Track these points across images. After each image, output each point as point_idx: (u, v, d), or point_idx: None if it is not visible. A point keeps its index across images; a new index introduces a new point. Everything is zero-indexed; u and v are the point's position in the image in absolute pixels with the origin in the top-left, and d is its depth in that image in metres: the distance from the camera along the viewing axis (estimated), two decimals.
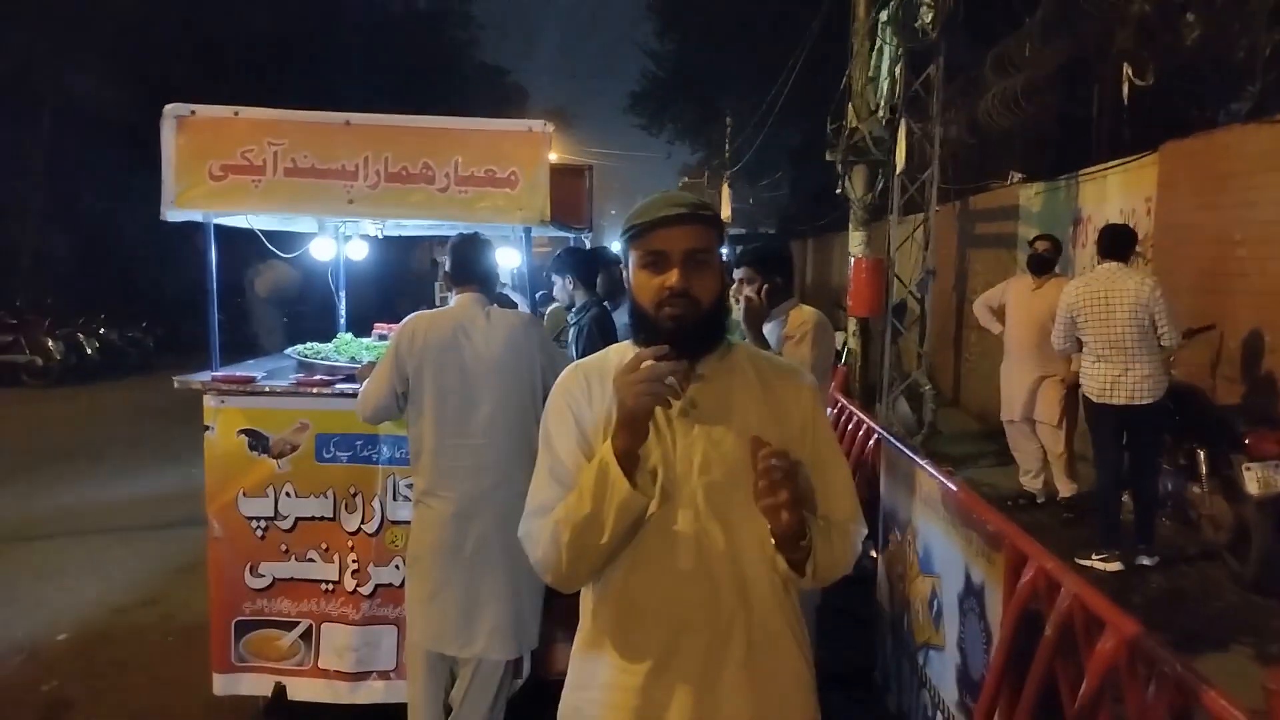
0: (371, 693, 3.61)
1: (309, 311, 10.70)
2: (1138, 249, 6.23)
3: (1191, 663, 1.85)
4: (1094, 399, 5.63)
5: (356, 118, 3.54)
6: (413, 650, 3.32)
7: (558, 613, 3.79)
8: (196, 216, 3.67)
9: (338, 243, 4.68)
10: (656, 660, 1.67)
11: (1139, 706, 1.95)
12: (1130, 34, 7.30)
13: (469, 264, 3.30)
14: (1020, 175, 10.30)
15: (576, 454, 1.71)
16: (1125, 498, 6.32)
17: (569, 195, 4.46)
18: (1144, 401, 5.44)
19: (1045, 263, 6.83)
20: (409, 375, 3.16)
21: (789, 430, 1.72)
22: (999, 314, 7.20)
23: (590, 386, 1.75)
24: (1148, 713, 1.90)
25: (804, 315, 3.59)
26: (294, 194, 3.52)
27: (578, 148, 37.61)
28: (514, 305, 4.28)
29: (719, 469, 1.67)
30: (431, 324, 3.20)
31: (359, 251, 4.91)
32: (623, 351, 1.76)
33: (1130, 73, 7.00)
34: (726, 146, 29.88)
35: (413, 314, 3.29)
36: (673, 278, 1.65)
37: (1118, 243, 5.68)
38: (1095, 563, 5.54)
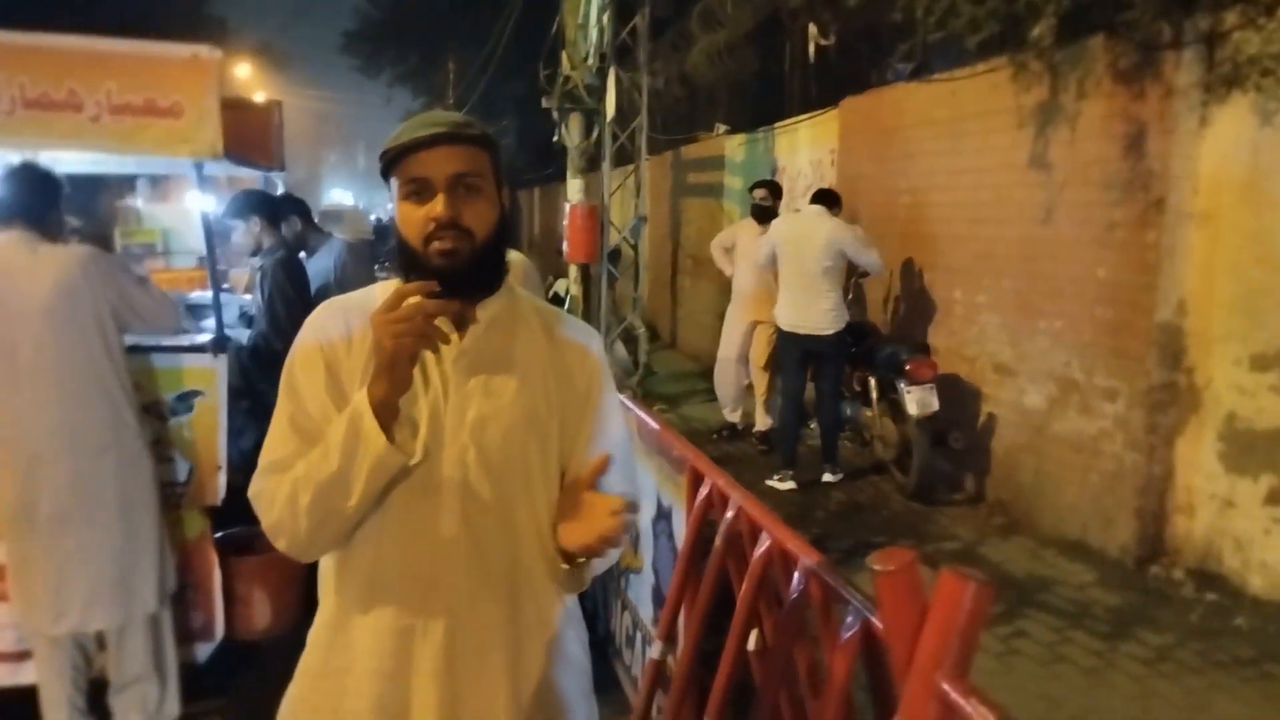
0: (35, 673, 3.28)
1: None
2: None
3: (829, 560, 2.06)
4: (784, 328, 6.17)
5: None
6: (22, 629, 3.09)
7: (252, 569, 3.64)
8: None
9: None
10: (409, 641, 1.49)
11: (788, 602, 2.15)
12: None
13: (8, 197, 2.97)
14: (725, 127, 10.84)
15: (326, 403, 1.48)
16: (813, 425, 6.94)
17: (252, 131, 4.17)
18: (826, 332, 5.99)
19: (764, 211, 7.07)
20: None
21: (572, 395, 1.59)
22: (732, 255, 7.47)
23: (350, 326, 1.51)
24: (795, 606, 2.10)
25: (510, 260, 3.59)
26: None
27: (290, 89, 35.22)
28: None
29: (494, 426, 1.50)
30: None
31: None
32: (392, 287, 1.52)
33: (815, 32, 7.51)
34: (450, 94, 29.11)
35: None
36: (438, 206, 1.44)
37: (825, 194, 6.30)
38: (774, 483, 6.08)
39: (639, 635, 3.45)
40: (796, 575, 2.09)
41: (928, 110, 6.50)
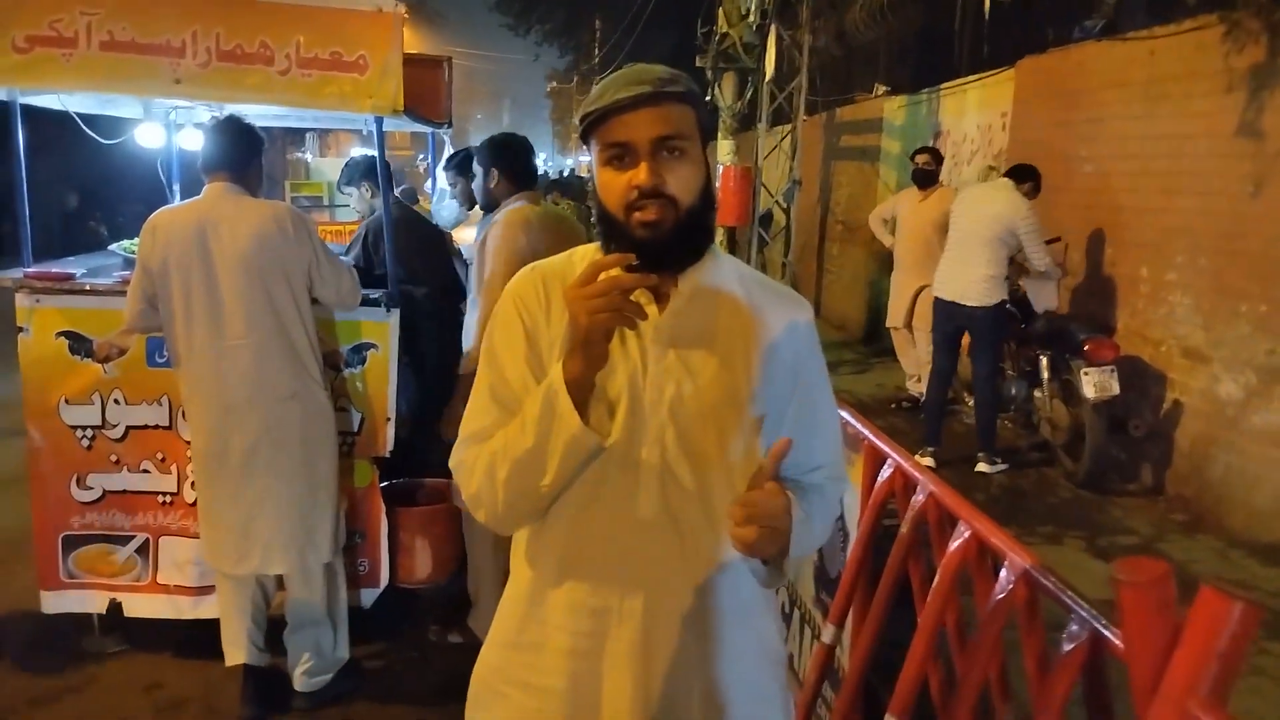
0: (215, 607, 3.44)
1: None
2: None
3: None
4: (935, 295, 5.94)
5: None
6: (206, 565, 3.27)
7: (416, 520, 3.70)
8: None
9: (168, 130, 4.28)
10: (605, 622, 1.43)
11: (988, 599, 2.00)
12: None
13: (214, 150, 3.05)
14: (885, 88, 10.42)
15: (525, 373, 1.43)
16: (972, 403, 6.63)
17: (425, 86, 4.18)
18: (974, 303, 5.67)
19: (927, 175, 6.97)
20: (154, 276, 2.95)
21: (778, 372, 1.47)
22: (891, 226, 7.40)
23: (550, 294, 1.45)
24: (998, 605, 1.95)
25: (514, 214, 3.28)
26: (111, 71, 3.15)
27: (441, 47, 36.02)
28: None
29: (693, 405, 1.41)
30: (173, 219, 2.98)
31: (195, 141, 4.51)
32: (590, 254, 1.44)
33: None
34: (596, 51, 29.14)
35: (158, 209, 3.06)
36: (641, 174, 1.35)
37: (1021, 169, 5.91)
38: (915, 458, 5.81)
39: (796, 613, 3.35)
40: (1004, 573, 1.94)
41: (1119, 72, 6.02)
